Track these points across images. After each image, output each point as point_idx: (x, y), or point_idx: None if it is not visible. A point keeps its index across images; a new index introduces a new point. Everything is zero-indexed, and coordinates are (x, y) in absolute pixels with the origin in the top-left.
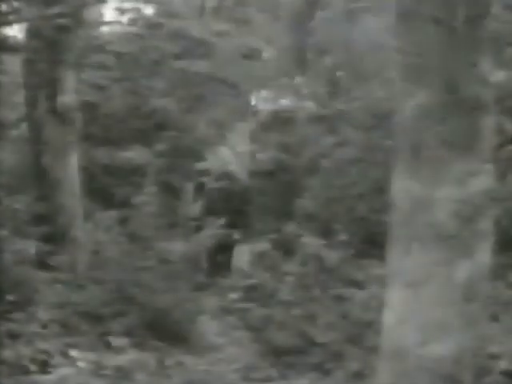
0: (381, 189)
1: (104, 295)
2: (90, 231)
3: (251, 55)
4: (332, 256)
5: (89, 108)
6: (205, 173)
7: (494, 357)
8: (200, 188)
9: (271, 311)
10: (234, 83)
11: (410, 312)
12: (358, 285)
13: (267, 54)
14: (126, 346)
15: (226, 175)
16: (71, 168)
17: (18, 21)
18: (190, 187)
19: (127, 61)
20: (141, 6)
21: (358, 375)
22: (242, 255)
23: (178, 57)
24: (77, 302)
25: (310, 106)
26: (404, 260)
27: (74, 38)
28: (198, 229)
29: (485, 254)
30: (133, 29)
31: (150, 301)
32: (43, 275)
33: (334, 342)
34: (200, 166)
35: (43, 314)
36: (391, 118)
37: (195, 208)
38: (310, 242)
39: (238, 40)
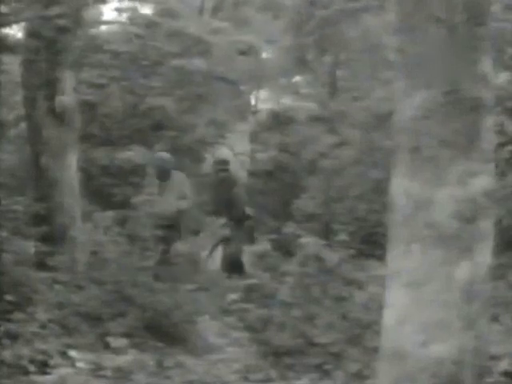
0: (380, 189)
1: (103, 296)
2: (89, 231)
3: (250, 55)
4: (332, 256)
5: (88, 108)
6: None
7: (495, 357)
8: (165, 176)
9: (271, 312)
10: (233, 83)
11: (410, 312)
12: (358, 285)
13: (267, 53)
14: (125, 347)
15: (224, 163)
16: (70, 168)
17: (17, 21)
18: (151, 178)
19: (126, 60)
20: (139, 5)
21: (358, 376)
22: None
23: (176, 56)
24: (76, 303)
25: (309, 106)
26: (404, 260)
27: (73, 38)
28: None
29: (485, 255)
30: (131, 28)
31: (150, 301)
32: (42, 275)
33: (333, 342)
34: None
35: (42, 314)
36: (391, 118)
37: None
38: (310, 242)
39: (237, 39)
